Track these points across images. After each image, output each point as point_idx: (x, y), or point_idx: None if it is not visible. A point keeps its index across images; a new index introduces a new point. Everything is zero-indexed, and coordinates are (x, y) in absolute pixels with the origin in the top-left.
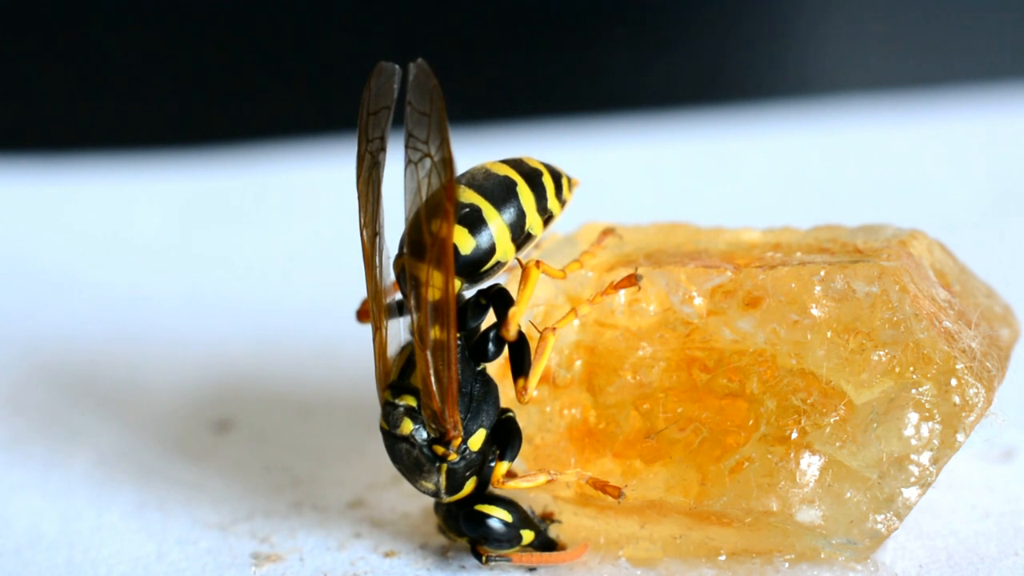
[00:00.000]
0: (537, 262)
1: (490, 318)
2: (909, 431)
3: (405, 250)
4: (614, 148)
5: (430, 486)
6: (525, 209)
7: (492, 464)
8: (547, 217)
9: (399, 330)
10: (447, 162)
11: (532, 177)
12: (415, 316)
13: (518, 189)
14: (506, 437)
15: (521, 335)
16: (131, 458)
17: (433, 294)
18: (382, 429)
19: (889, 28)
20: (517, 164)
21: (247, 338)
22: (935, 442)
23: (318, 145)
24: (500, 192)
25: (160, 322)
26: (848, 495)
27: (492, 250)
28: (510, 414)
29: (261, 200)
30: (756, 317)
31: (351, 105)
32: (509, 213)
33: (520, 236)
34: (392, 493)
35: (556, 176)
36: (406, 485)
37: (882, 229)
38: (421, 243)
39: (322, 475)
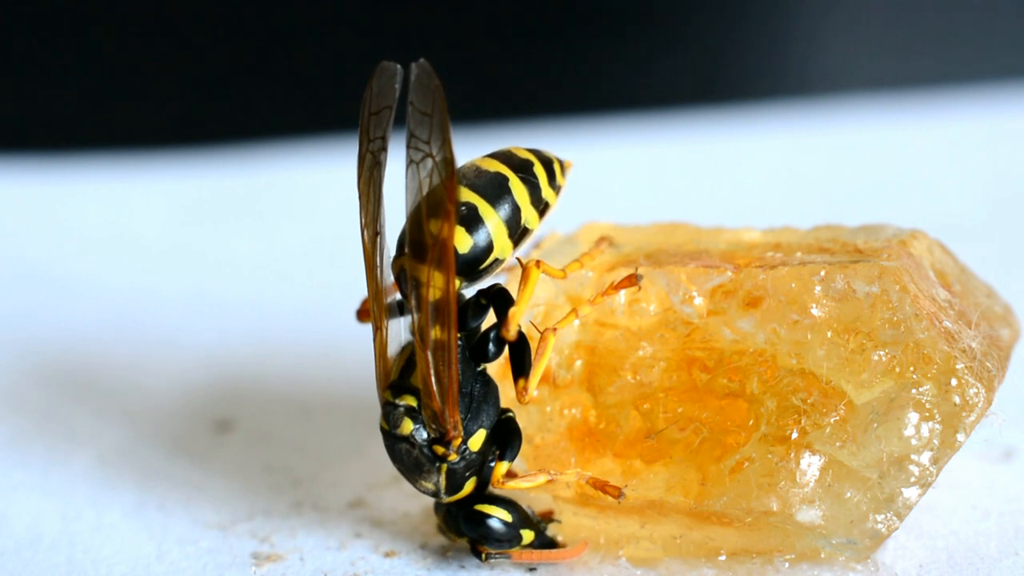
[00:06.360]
0: (537, 262)
1: (490, 318)
2: (909, 431)
3: (406, 250)
4: (614, 148)
5: (430, 486)
6: (520, 204)
7: (492, 464)
8: (543, 208)
9: (399, 330)
10: (449, 162)
11: (523, 170)
12: (416, 316)
13: (510, 184)
14: (506, 437)
15: (521, 335)
16: (131, 458)
17: (434, 294)
18: (382, 429)
19: (889, 28)
20: (507, 158)
21: (247, 338)
22: (935, 442)
23: (318, 145)
24: (493, 189)
25: (160, 322)
26: (848, 495)
27: (490, 248)
28: (510, 414)
29: (261, 200)
30: (756, 317)
31: (351, 105)
32: (504, 210)
33: (517, 231)
34: (392, 493)
35: (547, 163)
36: (406, 485)
37: (882, 229)
38: (422, 244)
39: (322, 475)
